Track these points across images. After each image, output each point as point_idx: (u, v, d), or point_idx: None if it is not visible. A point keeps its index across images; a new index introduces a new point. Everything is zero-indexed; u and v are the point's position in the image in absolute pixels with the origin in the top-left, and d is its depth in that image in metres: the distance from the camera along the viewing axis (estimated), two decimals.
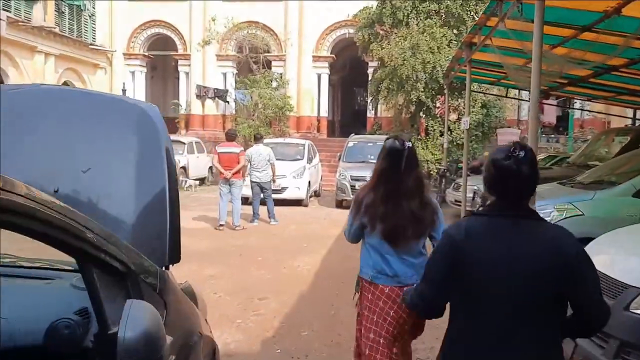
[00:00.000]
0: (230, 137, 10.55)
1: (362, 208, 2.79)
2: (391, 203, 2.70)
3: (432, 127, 16.94)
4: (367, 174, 13.29)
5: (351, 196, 12.70)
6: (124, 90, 20.92)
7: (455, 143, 16.45)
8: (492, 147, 17.23)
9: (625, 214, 5.00)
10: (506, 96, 15.41)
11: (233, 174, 9.88)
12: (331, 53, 23.23)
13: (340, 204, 13.19)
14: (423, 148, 16.83)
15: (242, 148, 10.60)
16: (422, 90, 15.67)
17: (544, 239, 1.75)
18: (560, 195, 5.37)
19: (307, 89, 22.68)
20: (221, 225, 9.93)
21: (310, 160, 13.91)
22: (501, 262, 1.73)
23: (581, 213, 5.07)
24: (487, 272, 1.75)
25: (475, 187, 10.47)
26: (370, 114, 22.53)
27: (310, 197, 14.38)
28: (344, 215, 11.03)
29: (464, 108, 16.79)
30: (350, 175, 12.82)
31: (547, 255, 1.71)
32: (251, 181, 10.58)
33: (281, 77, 21.11)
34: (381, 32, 16.86)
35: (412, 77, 15.47)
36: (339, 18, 22.19)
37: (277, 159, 10.85)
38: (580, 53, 6.27)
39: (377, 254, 2.78)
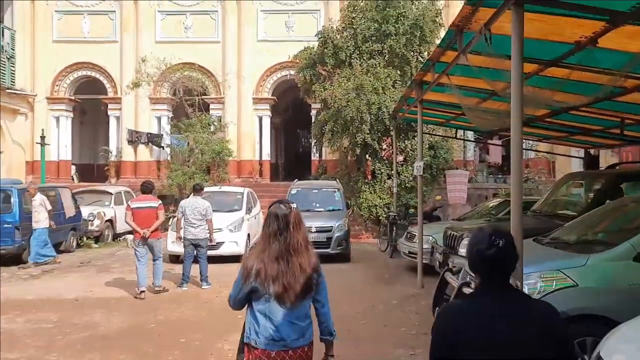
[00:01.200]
0: (146, 189, 8.94)
1: (252, 272, 2.84)
2: (283, 261, 2.84)
3: (379, 170, 16.14)
4: (314, 224, 12.34)
5: None
6: (42, 137, 19.11)
7: (403, 186, 15.69)
8: (441, 189, 16.62)
9: (627, 283, 4.08)
10: (456, 137, 14.85)
11: (152, 233, 8.54)
12: (273, 95, 22.39)
13: None
14: (370, 192, 15.97)
15: (160, 202, 9.16)
16: (368, 132, 14.92)
17: (533, 323, 1.90)
18: (545, 260, 4.40)
19: (248, 132, 21.61)
20: (142, 291, 8.49)
21: (249, 209, 12.67)
22: (494, 348, 1.85)
23: (574, 283, 4.11)
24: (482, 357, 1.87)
25: (431, 238, 9.55)
26: (314, 156, 21.66)
27: (251, 249, 13.07)
28: None
29: (411, 150, 16.20)
30: None
31: (538, 340, 1.87)
32: (184, 238, 9.23)
33: (219, 120, 19.94)
34: (323, 72, 16.13)
35: (357, 118, 14.70)
36: (280, 59, 21.48)
37: (212, 210, 9.51)
38: (548, 93, 5.51)
39: (265, 318, 2.85)
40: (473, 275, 2.09)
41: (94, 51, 21.56)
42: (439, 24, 16.32)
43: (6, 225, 11.48)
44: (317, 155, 21.28)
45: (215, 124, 19.28)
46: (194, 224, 9.08)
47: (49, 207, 11.61)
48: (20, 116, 21.06)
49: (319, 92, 15.95)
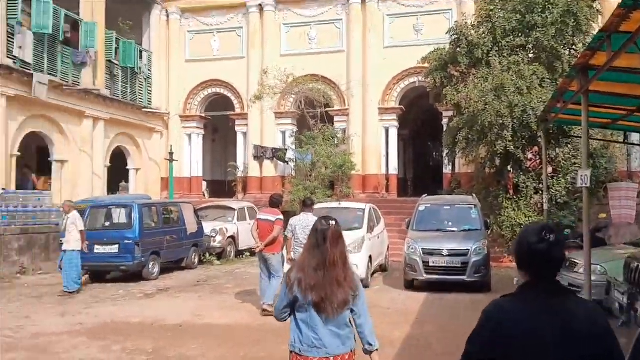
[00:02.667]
0: (272, 202, 8.83)
1: (294, 282, 2.99)
2: (321, 273, 2.95)
3: (523, 183, 13.91)
4: (446, 246, 10.68)
5: (424, 275, 9.96)
6: (171, 154, 19.53)
7: (554, 202, 13.31)
8: (600, 205, 13.92)
9: None
10: (625, 142, 12.22)
11: (265, 246, 8.33)
12: (400, 104, 20.95)
13: (410, 285, 10.42)
14: (514, 209, 13.80)
15: (280, 216, 8.52)
16: (510, 139, 12.83)
17: (580, 319, 1.88)
18: None
19: (374, 144, 20.35)
20: (265, 303, 8.27)
21: (371, 228, 11.31)
22: (540, 345, 1.83)
23: None
24: (528, 355, 1.84)
25: (599, 268, 7.46)
26: (446, 169, 19.78)
27: (374, 273, 11.71)
28: (415, 301, 8.13)
29: (563, 159, 13.81)
30: (422, 248, 10.09)
31: (585, 337, 1.84)
32: (292, 260, 8.23)
33: (343, 132, 18.88)
34: (456, 73, 14.38)
35: (496, 124, 12.72)
36: (408, 65, 20.00)
37: None
38: None
39: (306, 327, 2.98)
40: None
41: (222, 68, 21.83)
42: (597, 11, 13.84)
43: (127, 242, 11.35)
44: (450, 167, 19.39)
45: (338, 136, 18.27)
46: (304, 243, 7.99)
47: (81, 227, 10.39)
48: (156, 134, 21.89)
49: (451, 95, 14.23)
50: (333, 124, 20.00)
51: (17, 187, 15.53)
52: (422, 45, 18.94)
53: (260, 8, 21.38)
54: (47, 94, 15.22)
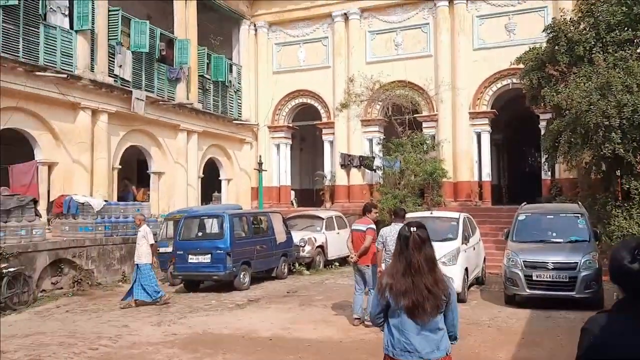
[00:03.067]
0: (364, 210, 8.68)
1: (385, 287, 3.07)
2: (409, 279, 3.01)
3: (635, 189, 12.67)
4: (550, 259, 9.80)
5: (527, 290, 9.24)
6: (260, 164, 19.84)
7: None
8: None
9: None
10: None
11: (359, 258, 8.22)
12: (492, 108, 19.98)
13: (511, 300, 9.71)
14: (625, 218, 12.59)
15: (371, 225, 8.26)
16: (619, 141, 11.71)
17: None
18: None
19: (465, 150, 19.51)
20: (356, 319, 8.21)
21: (466, 238, 10.70)
22: None
23: None
24: None
25: None
26: (545, 175, 18.57)
27: (470, 286, 11.08)
28: (518, 318, 7.49)
29: None
30: (524, 261, 9.37)
31: None
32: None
33: (432, 139, 18.27)
34: (555, 73, 13.40)
35: (602, 125, 11.66)
36: (500, 67, 19.08)
37: None
38: None
39: (399, 332, 3.03)
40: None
41: (308, 78, 21.98)
42: None
43: (218, 252, 11.54)
44: (549, 173, 18.19)
45: (428, 142, 17.69)
46: None
47: (152, 241, 10.43)
48: (246, 145, 22.40)
49: (549, 97, 13.25)
50: (421, 130, 19.43)
51: (119, 199, 16.41)
52: (515, 46, 18.03)
53: (346, 17, 21.32)
54: (144, 109, 16.00)
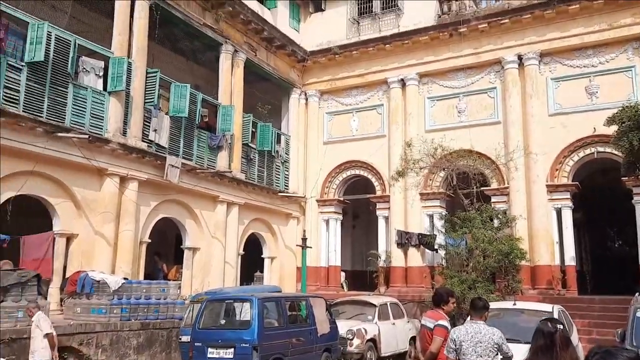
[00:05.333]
0: (436, 300, 6.36)
1: None
2: None
3: None
4: None
5: None
6: (304, 239, 17.80)
7: None
8: None
9: None
10: None
11: None
12: (573, 180, 17.37)
13: None
14: None
15: (442, 322, 5.94)
16: None
17: None
18: None
19: (543, 228, 16.79)
20: None
21: None
22: None
23: None
24: None
25: None
26: None
27: None
28: None
29: None
30: None
31: None
32: None
33: (504, 213, 15.73)
34: None
35: None
36: (580, 134, 16.75)
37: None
38: None
39: None
40: None
41: (361, 148, 20.28)
42: None
43: (243, 345, 9.34)
44: None
45: (500, 216, 15.17)
46: None
47: (47, 330, 8.40)
48: (292, 220, 20.56)
49: None
50: (490, 205, 16.97)
51: (148, 277, 14.71)
52: (598, 110, 15.96)
53: (403, 83, 19.77)
54: (179, 178, 14.56)
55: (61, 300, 12.08)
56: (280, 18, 20.09)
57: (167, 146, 14.73)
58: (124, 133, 13.44)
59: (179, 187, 14.90)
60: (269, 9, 19.46)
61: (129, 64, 13.55)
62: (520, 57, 17.93)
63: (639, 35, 16.39)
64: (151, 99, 14.26)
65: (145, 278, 14.14)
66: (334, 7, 21.34)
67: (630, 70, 16.58)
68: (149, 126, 14.32)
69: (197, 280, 15.91)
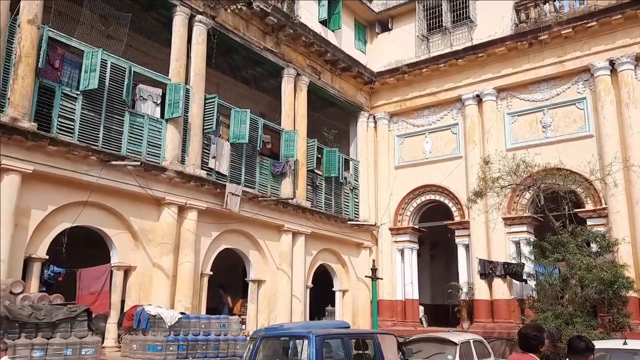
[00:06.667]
0: (524, 342, 4.56)
1: None
2: None
3: None
4: None
5: None
6: (373, 270, 16.49)
7: None
8: None
9: None
10: None
11: None
12: None
13: None
14: None
15: None
16: None
17: None
18: None
19: None
20: None
21: None
22: None
23: None
24: None
25: None
26: None
27: None
28: None
29: None
30: None
31: None
32: None
33: (603, 237, 13.68)
34: None
35: None
36: None
37: None
38: None
39: None
40: None
41: (436, 172, 18.85)
42: None
43: None
44: None
45: (598, 239, 13.14)
46: None
47: None
48: (364, 250, 19.34)
49: None
50: (586, 227, 14.91)
51: (212, 311, 14.05)
52: None
53: (479, 99, 18.30)
54: (240, 206, 13.91)
55: (119, 336, 11.58)
56: (345, 40, 19.41)
57: (227, 174, 14.19)
58: (182, 161, 13.02)
59: (240, 216, 14.25)
60: (332, 30, 18.83)
61: (187, 90, 13.24)
62: (612, 63, 16.02)
63: None
64: (210, 125, 13.83)
65: (209, 312, 13.46)
66: (402, 25, 20.40)
67: None
68: (208, 153, 13.86)
69: (262, 314, 15.05)
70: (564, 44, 16.86)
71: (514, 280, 16.34)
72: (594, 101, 16.29)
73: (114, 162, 11.19)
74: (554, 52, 17.01)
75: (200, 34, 13.80)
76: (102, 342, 10.88)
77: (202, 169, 13.45)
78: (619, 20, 15.87)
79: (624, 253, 14.28)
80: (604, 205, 15.32)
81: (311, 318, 16.85)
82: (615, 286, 12.04)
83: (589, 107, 16.43)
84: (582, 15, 16.50)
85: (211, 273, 13.83)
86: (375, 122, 20.50)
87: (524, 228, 16.68)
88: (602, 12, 16.13)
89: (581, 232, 13.04)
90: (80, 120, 11.08)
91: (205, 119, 13.81)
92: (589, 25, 16.28)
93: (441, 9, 19.27)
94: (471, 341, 12.44)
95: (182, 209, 12.84)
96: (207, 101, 13.92)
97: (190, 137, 13.28)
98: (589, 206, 15.62)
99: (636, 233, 14.64)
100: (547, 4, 17.64)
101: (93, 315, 10.21)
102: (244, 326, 14.26)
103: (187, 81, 13.41)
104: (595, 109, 16.17)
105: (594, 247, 13.34)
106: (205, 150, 13.79)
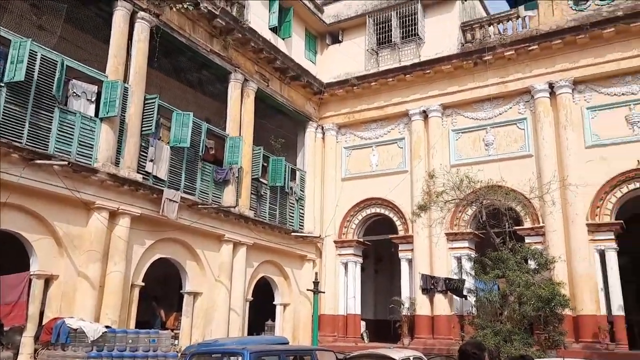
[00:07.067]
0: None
1: None
2: None
3: None
4: None
5: None
6: (315, 283, 16.16)
7: None
8: None
9: None
10: None
11: None
12: (617, 219, 15.52)
13: None
14: None
15: None
16: None
17: None
18: None
19: (585, 273, 14.86)
20: None
21: None
22: None
23: None
24: None
25: None
26: None
27: None
28: None
29: None
30: None
31: None
32: None
33: (541, 255, 13.87)
34: None
35: None
36: (623, 167, 15.06)
37: None
38: None
39: None
40: None
41: (382, 185, 18.78)
42: None
43: None
44: None
45: (537, 257, 13.31)
46: None
47: None
48: (308, 263, 18.97)
49: None
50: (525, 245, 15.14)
51: (144, 325, 13.24)
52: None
53: (425, 115, 18.44)
54: (178, 213, 13.26)
55: (35, 351, 10.63)
56: (295, 49, 19.14)
57: (166, 179, 13.52)
58: (117, 163, 12.27)
59: (178, 224, 13.59)
60: (283, 38, 18.53)
61: (125, 88, 12.54)
62: (551, 86, 16.50)
63: None
64: (149, 127, 13.16)
65: (140, 326, 12.62)
66: (352, 38, 20.34)
67: None
68: (146, 156, 13.17)
69: (197, 329, 14.35)
70: (506, 65, 17.26)
71: (455, 296, 16.40)
72: (534, 122, 16.70)
73: (38, 161, 10.36)
74: (497, 72, 17.38)
75: (142, 31, 13.16)
76: (16, 358, 9.96)
77: (138, 172, 12.73)
78: (559, 45, 16.39)
79: (560, 271, 14.59)
80: (541, 224, 15.65)
81: (250, 333, 16.25)
82: (553, 304, 12.20)
83: (529, 128, 16.82)
84: (524, 39, 16.95)
85: (143, 284, 13.05)
86: (324, 133, 20.30)
87: (466, 244, 16.81)
88: (543, 37, 16.62)
89: (520, 249, 13.18)
90: (2, 114, 10.21)
91: (145, 120, 13.13)
92: (530, 48, 16.73)
93: (391, 24, 19.38)
94: (411, 358, 12.25)
95: (113, 215, 12.07)
96: (147, 101, 13.26)
97: (127, 139, 12.56)
98: (528, 224, 15.95)
99: (571, 252, 15.00)
100: (491, 26, 18.07)
101: (6, 328, 9.33)
102: (176, 341, 13.52)
103: (126, 79, 12.72)
104: (535, 129, 16.57)
105: (532, 264, 13.51)
106: (142, 153, 13.08)
